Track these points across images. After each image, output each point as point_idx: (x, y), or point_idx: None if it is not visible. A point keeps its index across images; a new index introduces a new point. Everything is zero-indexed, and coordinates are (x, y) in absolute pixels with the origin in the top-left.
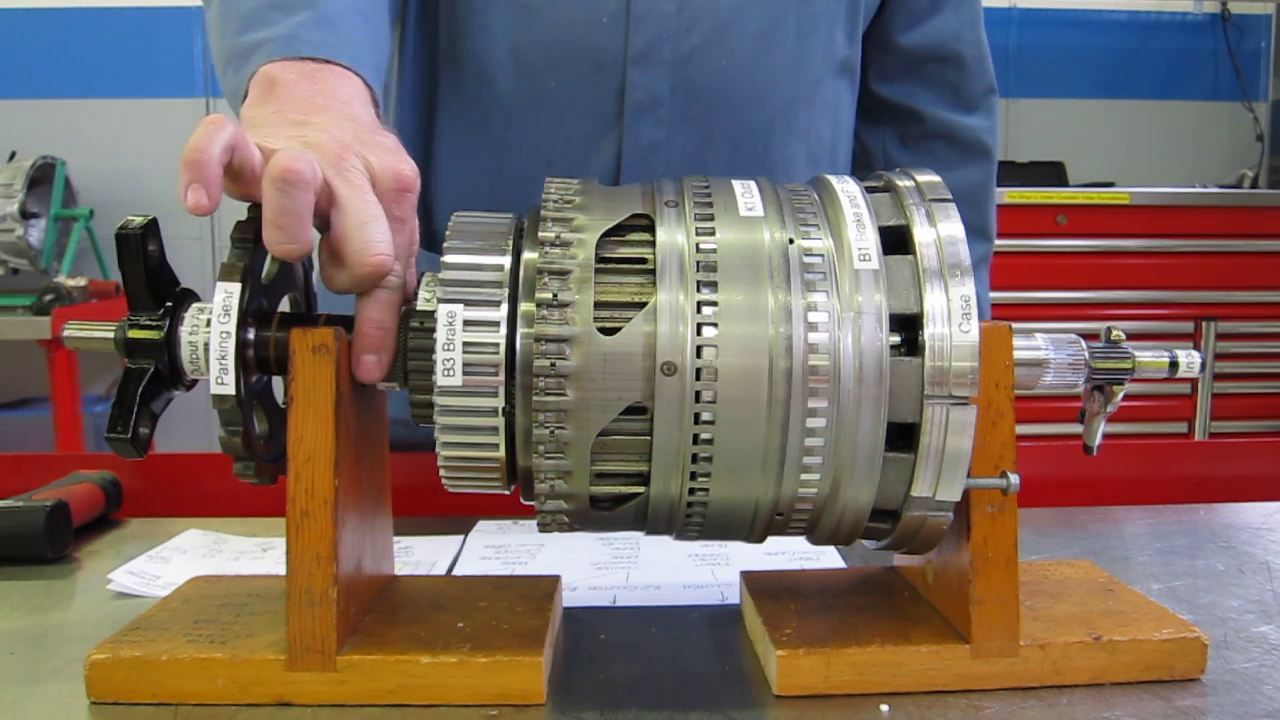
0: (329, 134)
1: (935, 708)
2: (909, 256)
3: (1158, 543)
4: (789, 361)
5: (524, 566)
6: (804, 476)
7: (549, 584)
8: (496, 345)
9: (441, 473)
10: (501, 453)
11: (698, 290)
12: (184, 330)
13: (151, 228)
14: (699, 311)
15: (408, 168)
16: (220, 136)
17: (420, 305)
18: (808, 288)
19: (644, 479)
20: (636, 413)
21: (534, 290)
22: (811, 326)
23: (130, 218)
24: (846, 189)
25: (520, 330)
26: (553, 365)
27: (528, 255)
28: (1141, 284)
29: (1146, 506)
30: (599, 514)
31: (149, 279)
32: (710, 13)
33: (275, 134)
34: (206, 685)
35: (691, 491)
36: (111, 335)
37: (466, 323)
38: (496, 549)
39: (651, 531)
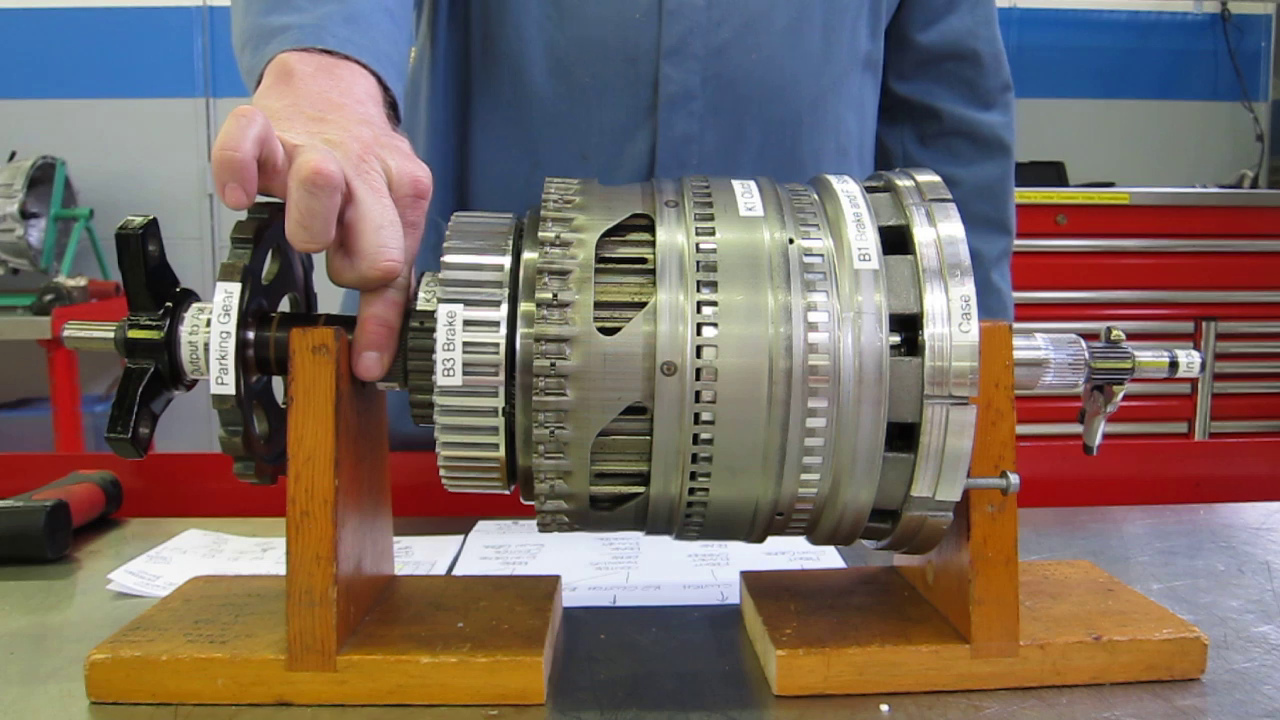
0: (350, 134)
1: (935, 708)
2: (909, 256)
3: (1158, 543)
4: (789, 361)
5: (524, 566)
6: (804, 476)
7: (549, 584)
8: (496, 345)
9: (441, 473)
10: (501, 453)
11: (698, 290)
12: (184, 330)
13: (151, 228)
14: (699, 311)
15: (424, 174)
16: (251, 131)
17: (420, 305)
18: (808, 288)
19: (644, 479)
20: (636, 413)
21: (534, 290)
22: (811, 326)
23: (130, 218)
24: (846, 189)
25: (520, 330)
26: (553, 365)
27: (528, 255)
28: (1141, 284)
29: (1146, 506)
30: (599, 514)
31: (149, 279)
32: (739, 8)
33: (294, 128)
34: (206, 685)
35: (691, 491)
36: (111, 335)
37: (466, 323)
38: (496, 549)
39: (651, 531)
